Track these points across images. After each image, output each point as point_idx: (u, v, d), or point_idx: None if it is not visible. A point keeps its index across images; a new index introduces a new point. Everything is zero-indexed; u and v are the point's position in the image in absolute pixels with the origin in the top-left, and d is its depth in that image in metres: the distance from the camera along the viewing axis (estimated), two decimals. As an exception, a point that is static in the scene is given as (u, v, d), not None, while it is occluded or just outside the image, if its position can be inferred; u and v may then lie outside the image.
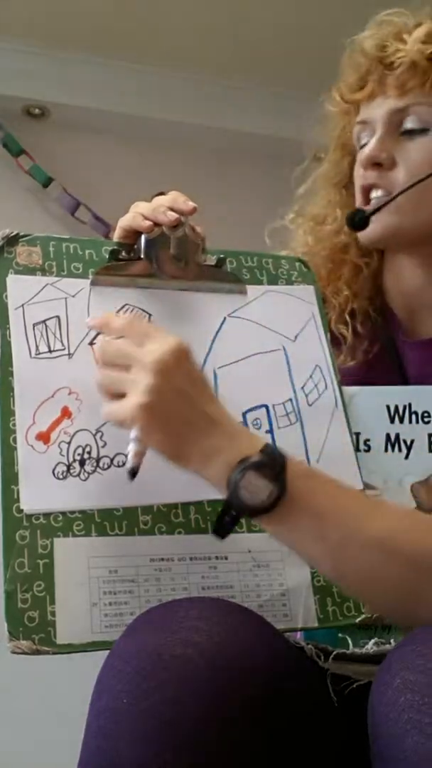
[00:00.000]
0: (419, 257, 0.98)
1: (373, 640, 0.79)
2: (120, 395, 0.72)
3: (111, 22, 2.28)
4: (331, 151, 1.06)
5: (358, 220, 0.94)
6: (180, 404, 0.70)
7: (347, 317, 1.00)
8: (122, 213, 0.87)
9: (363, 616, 0.79)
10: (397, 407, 0.87)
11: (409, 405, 0.87)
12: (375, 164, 0.94)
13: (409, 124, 0.93)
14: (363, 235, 0.96)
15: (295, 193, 1.11)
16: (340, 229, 1.04)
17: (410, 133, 0.93)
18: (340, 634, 0.81)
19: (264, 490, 0.68)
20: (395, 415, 0.87)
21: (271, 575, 0.78)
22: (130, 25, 2.30)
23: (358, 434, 0.86)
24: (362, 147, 0.97)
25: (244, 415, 0.83)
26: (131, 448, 0.71)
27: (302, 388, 0.86)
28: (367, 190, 0.96)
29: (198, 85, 2.47)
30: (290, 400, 0.85)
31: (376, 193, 0.95)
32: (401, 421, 0.86)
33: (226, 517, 0.73)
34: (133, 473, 0.71)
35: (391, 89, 0.93)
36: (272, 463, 0.69)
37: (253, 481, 0.68)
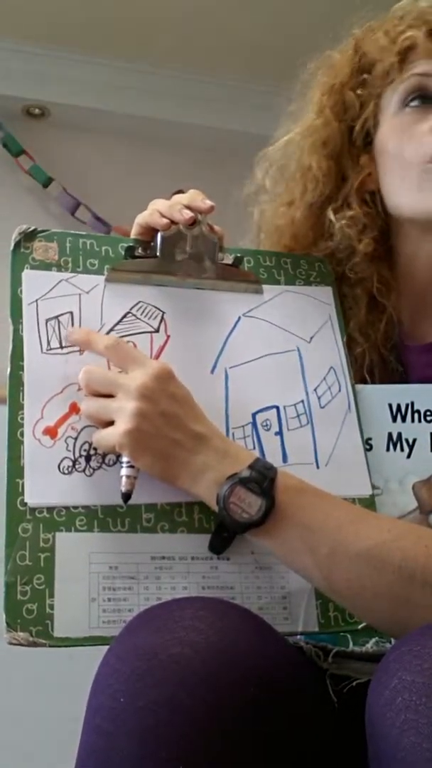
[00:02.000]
0: None
1: (373, 639, 0.79)
2: (108, 423, 0.74)
3: (111, 22, 2.29)
4: (319, 108, 0.96)
5: None
6: (166, 426, 0.72)
7: (365, 374, 0.93)
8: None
9: (364, 622, 0.78)
10: (399, 406, 0.86)
11: (412, 403, 0.86)
12: None
13: None
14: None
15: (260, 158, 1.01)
16: (352, 246, 0.93)
17: None
18: (340, 633, 0.80)
19: (253, 505, 0.71)
20: (397, 413, 0.86)
21: (273, 578, 0.77)
22: (130, 25, 2.30)
23: (361, 433, 0.86)
24: (408, 105, 0.90)
25: (253, 415, 0.82)
26: (123, 473, 0.73)
27: (315, 389, 0.86)
28: None
29: (198, 85, 2.47)
30: (302, 401, 0.85)
31: None
32: (403, 419, 0.86)
33: (224, 533, 0.75)
34: (127, 497, 0.73)
35: None
36: (260, 478, 0.71)
37: (242, 496, 0.71)
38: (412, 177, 0.89)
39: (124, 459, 0.74)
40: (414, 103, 0.90)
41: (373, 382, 0.93)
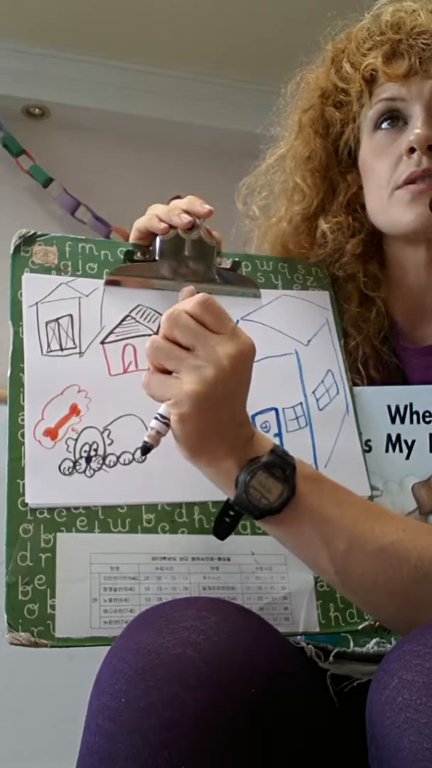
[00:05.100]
0: (429, 252, 0.93)
1: (374, 640, 0.79)
2: (166, 371, 0.69)
3: (111, 22, 2.28)
4: (298, 128, 0.98)
5: None
6: (223, 407, 0.69)
7: (360, 367, 0.93)
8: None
9: (365, 623, 0.78)
10: (398, 407, 0.87)
11: (410, 405, 0.86)
12: (430, 147, 0.86)
13: None
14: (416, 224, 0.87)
15: (248, 180, 1.02)
16: (341, 247, 0.94)
17: None
18: (341, 633, 0.80)
19: (273, 490, 0.69)
20: (396, 415, 0.86)
21: (274, 578, 0.78)
22: (131, 26, 2.30)
23: (360, 435, 0.86)
24: (379, 126, 0.91)
25: (253, 417, 0.82)
26: (155, 425, 0.69)
27: (313, 392, 0.86)
28: (419, 176, 0.87)
29: (198, 85, 2.47)
30: (300, 404, 0.85)
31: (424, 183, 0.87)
32: (402, 421, 0.86)
33: (226, 518, 0.73)
34: (147, 450, 0.70)
35: None
36: (283, 464, 0.69)
37: (263, 481, 0.68)
38: (384, 197, 0.90)
39: (163, 411, 0.70)
40: (385, 125, 0.91)
41: (368, 375, 0.93)
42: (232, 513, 0.72)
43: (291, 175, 0.98)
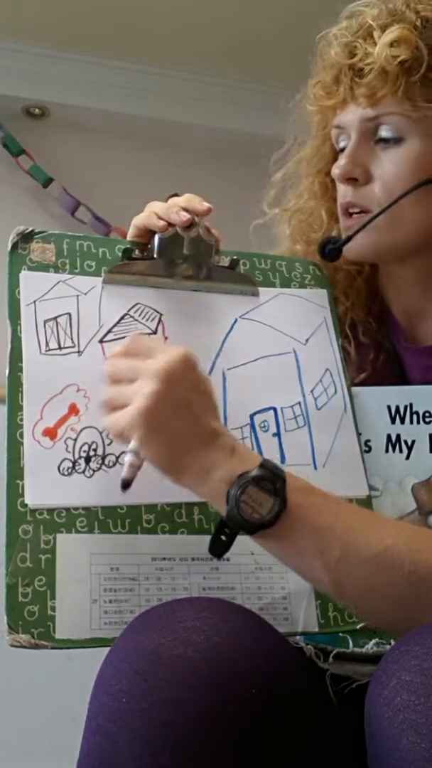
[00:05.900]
0: (411, 269, 0.95)
1: (373, 641, 0.79)
2: (123, 407, 0.71)
3: (111, 22, 2.29)
4: (312, 136, 1.01)
5: (329, 252, 0.91)
6: (181, 416, 0.69)
7: (348, 331, 0.97)
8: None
9: (364, 622, 0.78)
10: (398, 407, 0.87)
11: (410, 405, 0.87)
12: (350, 179, 0.90)
13: (384, 132, 0.88)
14: (344, 253, 0.92)
15: (273, 177, 1.07)
16: (331, 229, 1.00)
17: (385, 142, 0.88)
18: (340, 634, 0.80)
19: (265, 504, 0.68)
20: (396, 415, 0.87)
21: (273, 578, 0.78)
22: (131, 25, 2.30)
23: (359, 435, 0.86)
24: (341, 150, 0.93)
25: (251, 417, 0.83)
26: (128, 459, 0.70)
27: (311, 391, 0.86)
28: (346, 208, 0.91)
29: (198, 85, 2.48)
30: (299, 403, 0.85)
31: (353, 211, 0.91)
32: (402, 421, 0.86)
33: (222, 536, 0.72)
34: (126, 485, 0.70)
35: (362, 98, 0.87)
36: (273, 477, 0.69)
37: (254, 495, 0.68)
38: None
39: (131, 446, 0.70)
40: (339, 148, 0.94)
41: (356, 338, 0.96)
42: (227, 531, 0.72)
43: (304, 177, 1.02)
